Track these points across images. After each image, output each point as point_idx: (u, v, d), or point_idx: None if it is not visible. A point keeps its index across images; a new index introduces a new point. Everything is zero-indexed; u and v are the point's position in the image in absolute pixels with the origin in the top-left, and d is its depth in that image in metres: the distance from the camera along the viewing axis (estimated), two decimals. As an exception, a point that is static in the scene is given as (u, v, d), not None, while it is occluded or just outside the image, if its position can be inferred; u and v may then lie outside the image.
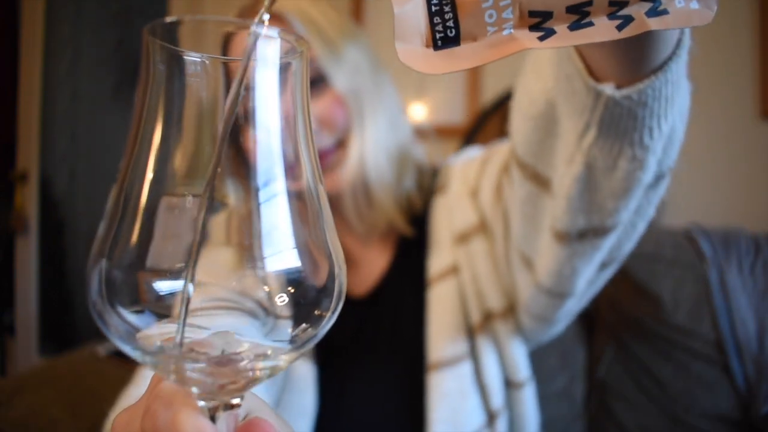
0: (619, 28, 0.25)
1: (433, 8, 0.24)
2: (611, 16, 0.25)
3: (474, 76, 1.81)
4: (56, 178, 2.52)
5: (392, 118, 0.72)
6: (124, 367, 0.98)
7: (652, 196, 0.49)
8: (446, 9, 0.24)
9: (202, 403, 0.24)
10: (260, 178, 0.22)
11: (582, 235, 0.50)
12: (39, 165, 2.45)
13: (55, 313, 2.49)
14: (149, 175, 0.22)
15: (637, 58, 0.35)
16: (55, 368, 0.98)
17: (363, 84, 0.69)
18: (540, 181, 0.53)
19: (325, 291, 0.24)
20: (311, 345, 0.25)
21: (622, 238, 0.53)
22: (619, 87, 0.38)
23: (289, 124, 0.23)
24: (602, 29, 0.25)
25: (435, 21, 0.24)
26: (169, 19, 0.22)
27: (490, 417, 0.66)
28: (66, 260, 2.54)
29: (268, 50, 0.22)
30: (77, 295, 2.55)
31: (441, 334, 0.67)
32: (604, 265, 0.56)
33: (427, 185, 0.78)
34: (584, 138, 0.42)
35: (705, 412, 0.79)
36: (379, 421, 0.68)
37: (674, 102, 0.39)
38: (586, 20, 0.25)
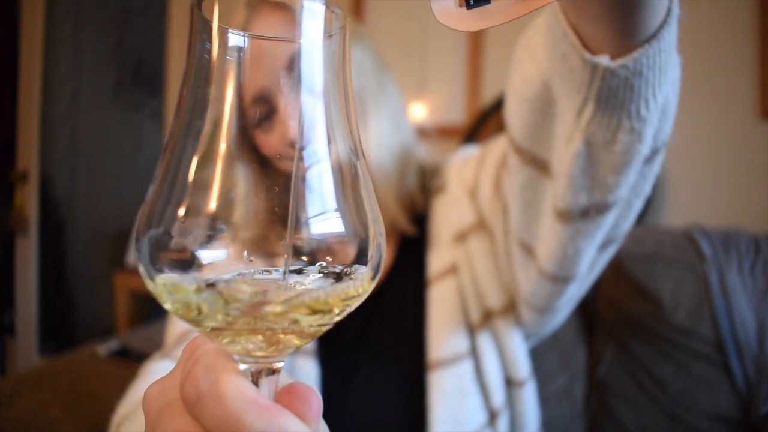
0: None
1: None
2: None
3: (474, 76, 1.81)
4: (56, 178, 2.52)
5: (395, 117, 0.73)
6: (124, 367, 0.98)
7: (647, 172, 0.49)
8: None
9: (244, 367, 0.24)
10: (303, 146, 0.23)
11: (585, 213, 0.51)
12: (39, 165, 2.45)
13: (55, 313, 2.49)
14: (195, 145, 0.23)
15: (630, 27, 0.36)
16: (55, 368, 0.98)
17: (366, 84, 0.69)
18: (538, 164, 0.53)
19: (364, 258, 0.24)
20: (347, 312, 0.25)
21: (620, 217, 0.53)
22: (613, 57, 0.39)
23: (329, 94, 0.24)
24: None
25: None
26: None
27: (491, 415, 0.66)
28: (66, 260, 2.54)
29: (313, 22, 0.23)
30: (77, 295, 2.55)
31: (441, 333, 0.67)
32: (604, 246, 0.57)
33: (429, 184, 0.78)
34: (582, 114, 0.43)
35: (705, 412, 0.79)
36: (381, 420, 0.68)
37: (667, 72, 0.40)
38: None
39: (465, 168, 0.74)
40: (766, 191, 1.43)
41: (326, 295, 0.23)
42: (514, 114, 0.53)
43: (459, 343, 0.66)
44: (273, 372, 0.24)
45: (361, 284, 0.24)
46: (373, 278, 0.25)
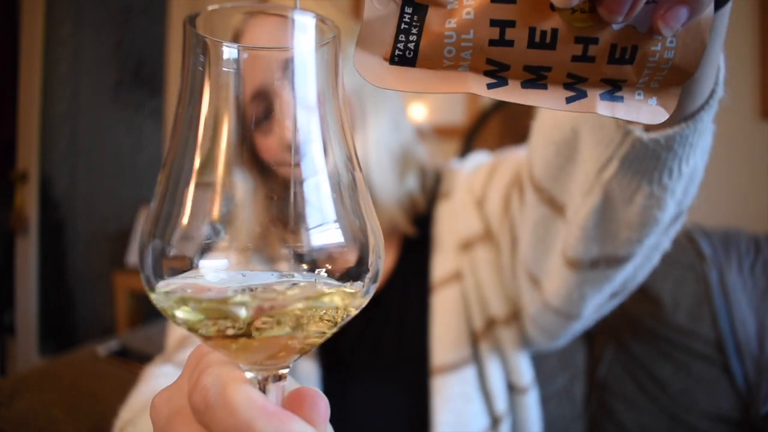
0: (569, 100, 0.25)
1: (403, 26, 0.24)
2: (566, 85, 0.25)
3: (474, 76, 1.81)
4: (56, 178, 2.52)
5: (395, 117, 0.72)
6: (124, 367, 0.98)
7: (670, 231, 0.49)
8: (413, 31, 0.24)
9: (250, 375, 0.24)
10: (298, 157, 0.24)
11: (594, 264, 0.51)
12: (39, 165, 2.45)
13: (55, 313, 2.49)
14: (194, 158, 0.23)
15: None
16: (55, 368, 0.98)
17: (366, 83, 0.68)
18: (555, 205, 0.53)
19: (364, 266, 0.24)
20: (344, 322, 0.25)
21: (638, 268, 0.53)
22: (647, 129, 0.38)
23: (322, 105, 0.24)
24: (552, 96, 0.25)
25: (399, 38, 0.25)
26: (210, 8, 0.23)
27: (494, 421, 0.66)
28: (66, 260, 2.54)
29: (304, 34, 0.24)
30: (77, 295, 2.55)
31: (445, 339, 0.67)
32: (614, 295, 0.57)
33: (430, 186, 0.77)
34: (605, 171, 0.43)
35: (705, 412, 0.79)
36: (382, 424, 0.68)
37: (698, 146, 0.40)
38: (541, 82, 0.25)
39: (474, 178, 0.73)
40: (766, 191, 1.43)
41: (326, 304, 0.24)
42: (539, 154, 0.52)
43: (462, 349, 0.66)
44: (279, 378, 0.25)
45: (361, 294, 0.25)
46: (371, 285, 0.25)
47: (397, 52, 0.25)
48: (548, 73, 0.25)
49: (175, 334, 0.68)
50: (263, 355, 0.24)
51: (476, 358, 0.67)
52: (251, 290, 0.23)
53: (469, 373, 0.66)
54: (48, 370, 0.98)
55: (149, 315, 2.18)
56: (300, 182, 0.23)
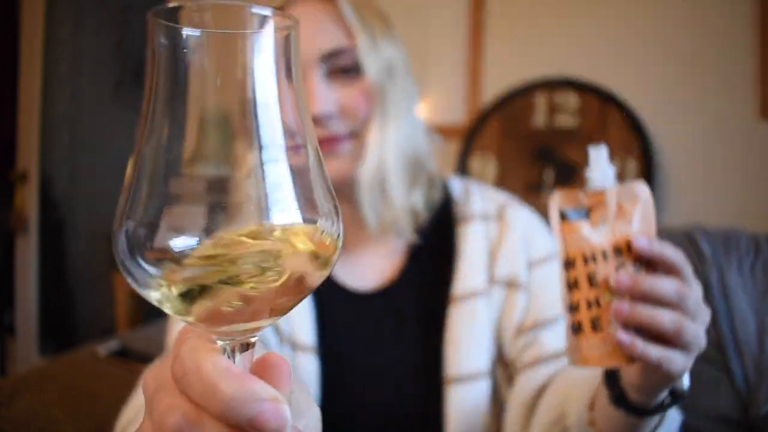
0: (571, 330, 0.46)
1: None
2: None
3: (474, 76, 1.81)
4: (56, 178, 2.52)
5: (414, 124, 0.71)
6: (124, 367, 0.98)
7: None
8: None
9: (221, 343, 0.27)
10: (262, 142, 0.25)
11: None
12: (39, 165, 2.45)
13: (55, 313, 2.49)
14: (161, 145, 0.25)
15: None
16: (55, 368, 0.98)
17: (393, 83, 0.67)
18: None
19: (324, 240, 0.26)
20: (307, 294, 0.27)
21: None
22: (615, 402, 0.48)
23: (283, 94, 0.26)
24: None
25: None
26: (171, 4, 0.24)
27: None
28: (66, 260, 2.54)
29: (261, 23, 0.25)
30: (77, 295, 2.55)
31: (463, 350, 0.66)
32: None
33: (436, 198, 0.75)
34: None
35: (705, 412, 0.79)
36: (383, 424, 0.68)
37: None
38: (570, 314, 0.46)
39: (532, 243, 0.72)
40: (766, 191, 1.43)
41: (286, 273, 0.25)
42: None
43: (480, 362, 0.66)
44: (247, 347, 0.28)
45: (320, 267, 0.26)
46: (331, 260, 0.27)
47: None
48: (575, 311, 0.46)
49: (175, 333, 0.67)
50: (227, 323, 0.26)
51: (494, 373, 0.67)
52: (212, 258, 0.24)
53: (483, 386, 0.65)
54: (48, 370, 0.98)
55: (149, 315, 2.18)
56: (261, 163, 0.25)
